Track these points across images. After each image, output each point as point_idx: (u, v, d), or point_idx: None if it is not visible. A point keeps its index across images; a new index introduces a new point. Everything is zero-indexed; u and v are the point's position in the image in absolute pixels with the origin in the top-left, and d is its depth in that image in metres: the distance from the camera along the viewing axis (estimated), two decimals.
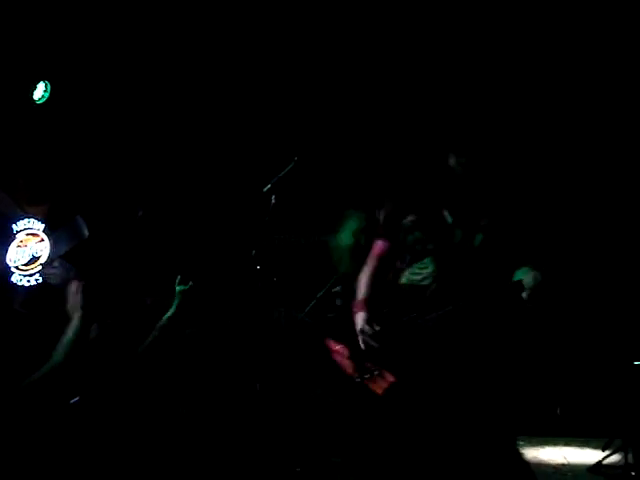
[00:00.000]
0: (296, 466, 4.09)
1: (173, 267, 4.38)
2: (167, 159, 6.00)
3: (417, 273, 2.88)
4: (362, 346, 2.85)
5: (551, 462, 4.80)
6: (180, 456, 3.75)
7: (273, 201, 3.55)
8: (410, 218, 2.92)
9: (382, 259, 3.00)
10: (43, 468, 2.78)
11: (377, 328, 2.81)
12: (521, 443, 5.28)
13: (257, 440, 3.97)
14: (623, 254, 5.52)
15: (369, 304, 2.90)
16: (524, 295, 2.66)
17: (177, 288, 3.95)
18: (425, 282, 2.84)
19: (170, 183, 5.96)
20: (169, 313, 3.86)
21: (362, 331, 2.85)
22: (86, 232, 5.35)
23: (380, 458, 2.90)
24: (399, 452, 2.78)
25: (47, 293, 4.30)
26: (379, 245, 3.03)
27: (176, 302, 3.90)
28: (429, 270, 2.85)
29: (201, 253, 5.61)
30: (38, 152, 5.76)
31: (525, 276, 2.67)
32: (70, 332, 2.81)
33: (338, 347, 3.11)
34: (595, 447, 4.89)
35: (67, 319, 2.87)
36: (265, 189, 3.57)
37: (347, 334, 2.98)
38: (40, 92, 5.42)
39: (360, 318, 2.88)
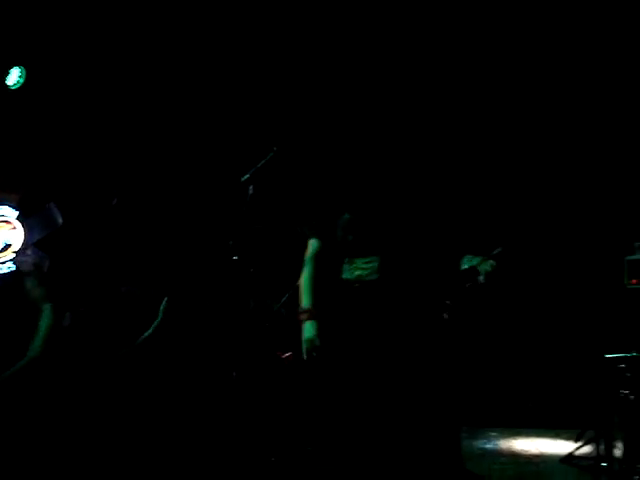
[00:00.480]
0: (271, 455, 4.09)
1: (149, 256, 4.34)
2: (143, 147, 5.94)
3: (363, 269, 2.88)
4: (305, 356, 2.85)
5: (524, 453, 4.85)
6: (153, 444, 3.73)
7: (251, 191, 3.53)
8: (346, 216, 2.92)
9: (318, 258, 2.99)
10: (23, 457, 2.75)
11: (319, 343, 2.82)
12: (494, 434, 5.37)
13: (232, 430, 3.96)
14: (592, 248, 5.60)
15: (317, 311, 2.88)
16: (481, 279, 2.68)
17: (162, 307, 3.84)
18: (372, 277, 2.86)
19: (146, 172, 5.90)
20: (149, 331, 3.77)
21: (310, 341, 2.83)
22: (60, 220, 5.28)
23: (349, 446, 2.92)
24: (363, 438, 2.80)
25: (19, 281, 4.24)
26: (313, 245, 3.02)
27: (157, 321, 3.80)
28: (374, 265, 2.86)
29: (177, 243, 5.56)
30: (11, 139, 5.67)
31: (477, 262, 2.69)
32: (44, 325, 2.80)
33: (287, 355, 3.12)
34: (567, 438, 4.95)
35: (38, 308, 2.85)
36: (243, 179, 3.56)
37: (293, 341, 2.97)
38: (15, 78, 5.33)
39: (310, 327, 2.85)
